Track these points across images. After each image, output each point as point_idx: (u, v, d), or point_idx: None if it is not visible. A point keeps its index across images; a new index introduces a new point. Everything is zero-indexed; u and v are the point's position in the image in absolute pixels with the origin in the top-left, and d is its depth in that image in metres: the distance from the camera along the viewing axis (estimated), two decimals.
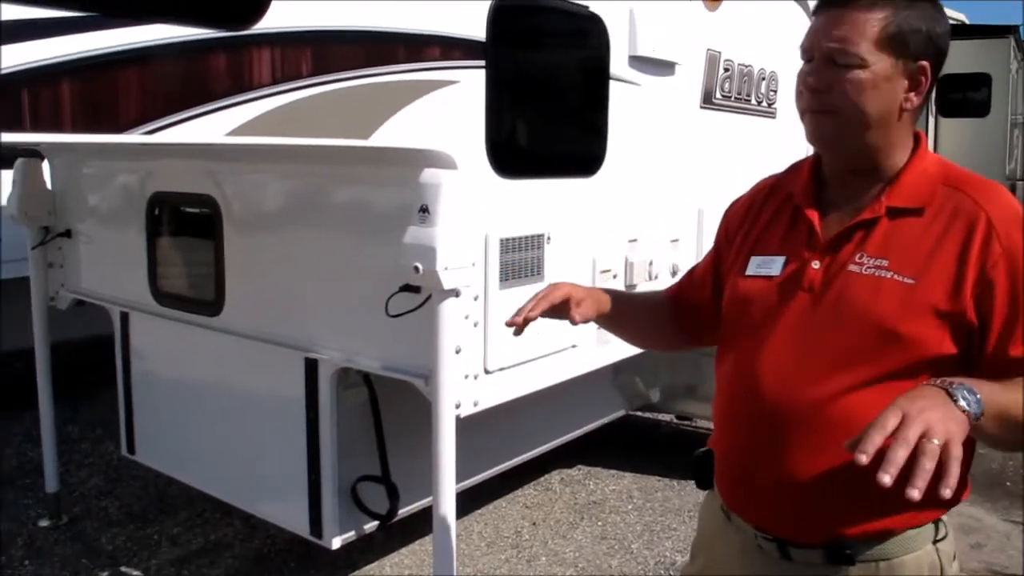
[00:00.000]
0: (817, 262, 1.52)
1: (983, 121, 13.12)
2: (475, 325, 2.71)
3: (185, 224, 3.73)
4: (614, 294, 1.96)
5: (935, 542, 1.52)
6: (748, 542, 1.62)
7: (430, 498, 3.40)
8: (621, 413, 4.82)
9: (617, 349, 3.40)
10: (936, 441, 1.14)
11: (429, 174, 2.50)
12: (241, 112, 2.04)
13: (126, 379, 4.06)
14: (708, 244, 3.34)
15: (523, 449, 4.03)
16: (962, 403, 1.23)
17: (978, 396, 1.25)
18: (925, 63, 1.47)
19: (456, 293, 2.60)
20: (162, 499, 4.63)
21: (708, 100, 3.90)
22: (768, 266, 1.59)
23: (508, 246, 2.77)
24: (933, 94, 10.68)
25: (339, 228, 2.95)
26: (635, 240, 3.43)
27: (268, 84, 2.08)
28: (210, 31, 1.99)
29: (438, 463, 2.65)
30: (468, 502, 4.32)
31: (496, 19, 2.65)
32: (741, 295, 1.62)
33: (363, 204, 2.84)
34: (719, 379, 1.70)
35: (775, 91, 4.52)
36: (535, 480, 4.93)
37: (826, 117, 1.49)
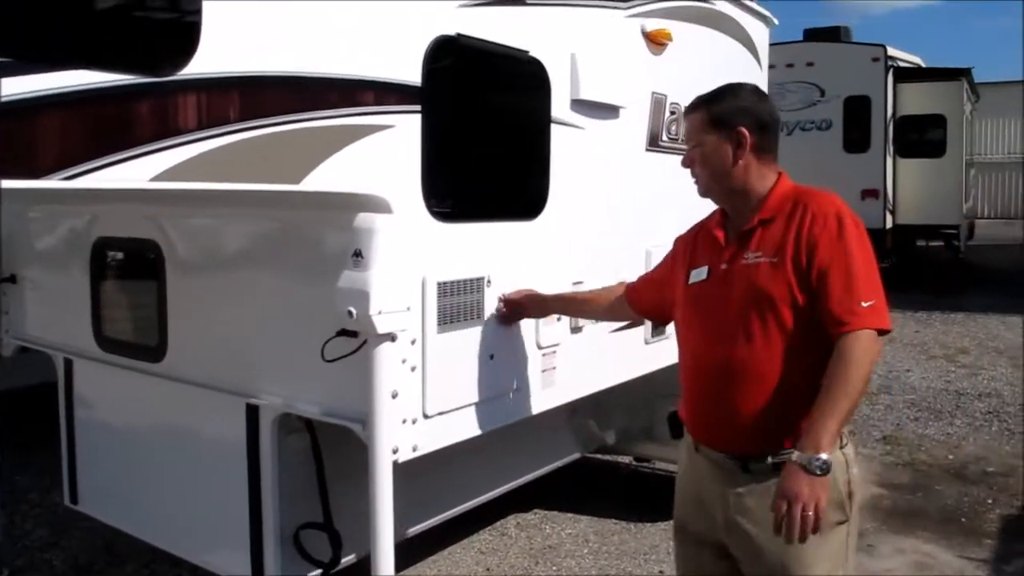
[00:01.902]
0: (724, 264, 2.33)
1: (939, 161, 13.41)
2: (413, 369, 2.69)
3: (129, 269, 3.70)
4: (565, 299, 3.13)
5: (840, 448, 2.19)
6: (713, 464, 2.31)
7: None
8: (576, 456, 4.79)
9: (561, 392, 3.39)
10: (809, 512, 1.98)
11: (363, 218, 2.50)
12: (165, 158, 2.03)
13: (69, 427, 3.98)
14: None
15: (476, 493, 3.98)
16: (815, 470, 2.00)
17: (821, 458, 2.00)
18: (742, 128, 2.30)
19: (392, 337, 2.59)
20: (109, 550, 4.52)
21: (654, 143, 3.94)
22: (700, 275, 2.40)
23: (446, 290, 2.77)
24: (890, 136, 10.88)
25: (277, 273, 2.94)
26: (580, 282, 3.44)
27: (194, 129, 2.07)
28: (134, 77, 1.99)
29: (376, 508, 2.62)
30: (421, 548, 4.26)
31: (431, 64, 2.67)
32: (688, 297, 2.43)
33: (300, 249, 2.83)
34: (681, 359, 2.47)
35: None
36: (491, 525, 4.88)
37: (697, 183, 2.43)
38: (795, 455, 2.02)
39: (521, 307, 3.06)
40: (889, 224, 13.25)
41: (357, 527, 3.21)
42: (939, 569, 4.34)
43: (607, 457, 5.68)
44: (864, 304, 2.11)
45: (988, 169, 28.79)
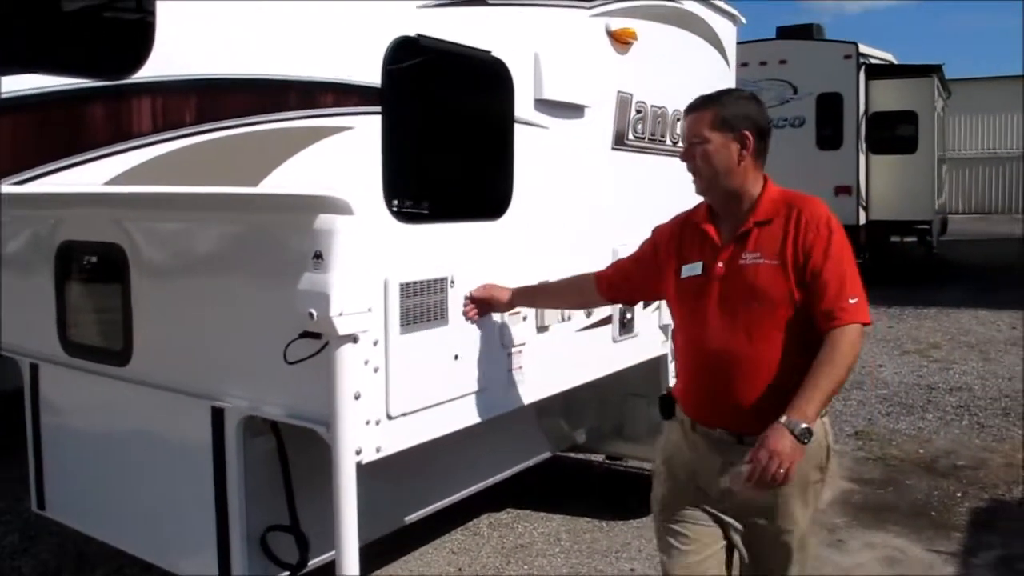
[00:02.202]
0: (721, 262, 2.51)
1: (911, 157, 13.53)
2: (376, 370, 2.69)
3: (93, 273, 3.67)
4: (529, 291, 3.19)
5: (820, 418, 2.44)
6: (711, 440, 2.55)
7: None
8: (547, 455, 4.81)
9: (528, 392, 3.40)
10: (783, 470, 2.21)
11: (322, 220, 2.49)
12: (121, 161, 2.03)
13: (36, 432, 3.95)
14: None
15: (445, 494, 3.99)
16: (799, 436, 2.23)
17: (804, 425, 2.24)
18: (746, 132, 2.49)
19: (354, 339, 2.59)
20: (80, 556, 4.50)
21: (620, 141, 3.96)
22: (693, 270, 2.58)
23: (409, 291, 2.77)
24: (863, 132, 11.01)
25: (240, 275, 2.93)
26: (546, 281, 3.45)
27: (149, 133, 2.07)
28: (87, 80, 1.98)
29: (340, 509, 2.62)
30: (392, 548, 4.26)
31: (391, 65, 2.67)
32: (682, 290, 2.61)
33: (262, 251, 2.82)
34: (677, 345, 2.74)
35: None
36: (463, 525, 4.89)
37: (697, 177, 2.57)
38: (783, 419, 2.26)
39: (487, 303, 3.10)
40: (863, 220, 13.36)
41: (325, 529, 3.22)
42: (908, 563, 4.39)
43: (580, 456, 5.71)
44: (851, 301, 2.37)
45: (962, 165, 29.12)
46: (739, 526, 2.57)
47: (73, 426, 3.82)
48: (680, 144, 4.39)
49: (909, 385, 7.93)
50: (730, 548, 2.61)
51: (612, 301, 3.14)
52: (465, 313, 3.04)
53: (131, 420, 3.49)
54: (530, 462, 4.65)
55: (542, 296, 3.29)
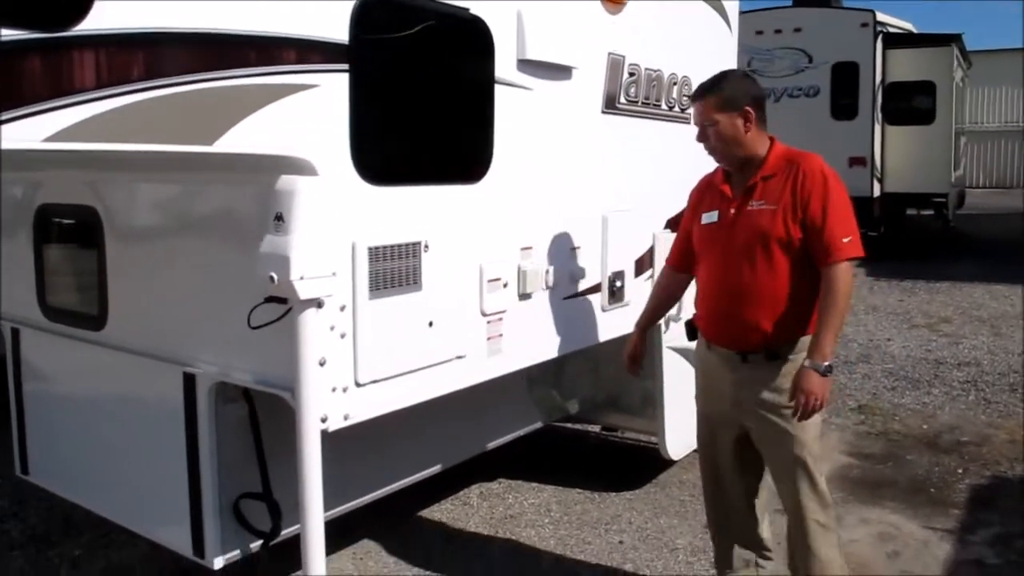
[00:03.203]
0: (733, 209, 3.00)
1: (929, 128, 13.27)
2: (343, 336, 2.62)
3: (71, 237, 3.62)
4: (651, 317, 3.62)
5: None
6: (722, 357, 3.07)
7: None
8: (538, 425, 4.75)
9: (508, 360, 3.33)
10: (819, 402, 2.85)
11: (284, 181, 2.42)
12: (60, 117, 1.95)
13: (18, 397, 3.92)
14: (614, 252, 3.83)
15: (426, 464, 3.94)
16: (824, 372, 2.82)
17: (825, 364, 2.82)
18: (748, 107, 2.97)
19: (318, 303, 2.52)
20: (67, 520, 4.48)
21: (611, 105, 3.85)
22: (711, 217, 3.08)
23: (378, 255, 2.69)
24: (879, 103, 10.80)
25: (208, 238, 2.87)
26: (529, 248, 3.37)
27: (91, 89, 1.99)
28: (25, 32, 1.90)
29: (304, 476, 2.57)
30: (379, 516, 4.22)
31: (360, 21, 2.57)
32: (703, 234, 3.12)
33: (226, 213, 2.76)
34: (699, 278, 3.21)
35: (688, 96, 4.48)
36: (454, 494, 4.84)
37: (714, 152, 3.06)
38: (808, 362, 2.83)
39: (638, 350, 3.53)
40: (877, 192, 13.13)
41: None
42: (903, 539, 4.30)
43: (576, 426, 5.65)
44: (844, 240, 2.85)
45: (983, 138, 28.63)
46: (757, 432, 3.06)
47: (53, 391, 3.79)
48: (676, 109, 4.35)
49: (916, 359, 7.80)
50: (741, 442, 3.14)
51: (687, 271, 3.35)
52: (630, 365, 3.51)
53: (108, 385, 3.45)
54: (520, 432, 4.59)
55: (652, 311, 3.58)
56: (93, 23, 1.98)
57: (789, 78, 12.94)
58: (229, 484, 3.06)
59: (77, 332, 3.50)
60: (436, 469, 4.03)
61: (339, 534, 4.02)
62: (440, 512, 4.65)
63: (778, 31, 12.82)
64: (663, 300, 3.55)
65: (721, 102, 2.97)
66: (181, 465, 3.07)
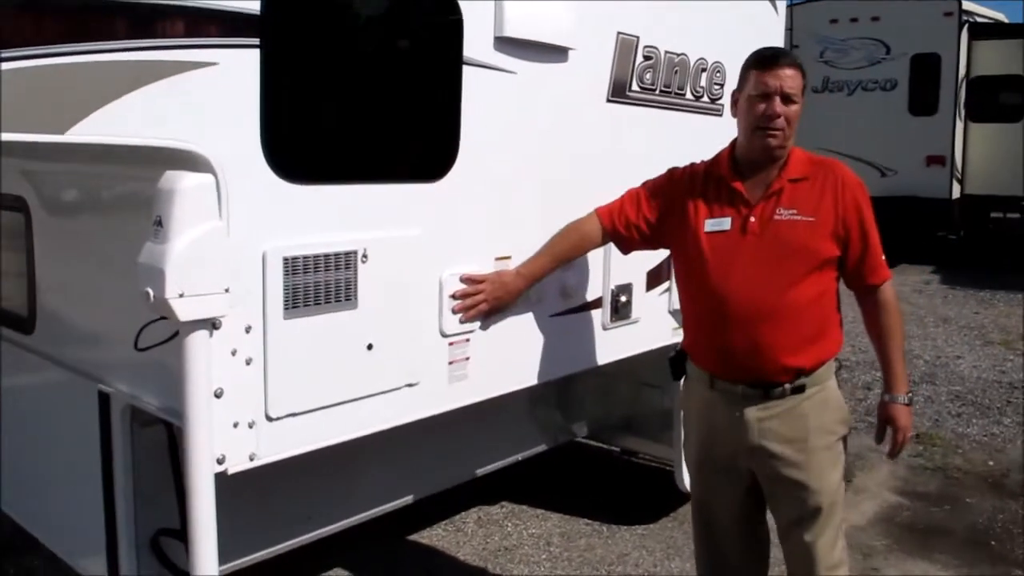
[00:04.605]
0: (754, 217, 2.56)
1: (1017, 127, 12.22)
2: (248, 362, 2.19)
3: (8, 229, 3.28)
4: (534, 259, 2.90)
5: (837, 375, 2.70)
6: (734, 395, 2.60)
7: (246, 558, 2.94)
8: (541, 449, 4.28)
9: (481, 387, 2.87)
10: (910, 434, 2.72)
11: (167, 178, 2.00)
12: None
13: None
14: (618, 258, 3.28)
15: (397, 494, 3.50)
16: (909, 403, 2.70)
17: (907, 395, 2.69)
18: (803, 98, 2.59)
19: (213, 324, 2.10)
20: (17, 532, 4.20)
21: (620, 93, 3.33)
22: (721, 224, 2.60)
23: (297, 266, 2.25)
24: (962, 98, 9.86)
25: (110, 241, 2.48)
26: (507, 258, 2.90)
27: None
28: None
29: (195, 527, 2.17)
30: (363, 537, 3.80)
31: None
32: (707, 244, 2.61)
33: (123, 213, 2.36)
34: (687, 300, 2.77)
35: (721, 84, 3.94)
36: (450, 518, 4.42)
37: (779, 133, 2.53)
38: (889, 396, 2.68)
39: (497, 293, 2.81)
40: (956, 194, 12.20)
41: (224, 534, 2.80)
42: None
43: (599, 444, 5.14)
44: (882, 257, 2.65)
45: None
46: (771, 484, 2.66)
47: None
48: (705, 100, 3.81)
49: (988, 382, 7.05)
50: (754, 497, 2.74)
51: (615, 235, 2.90)
52: (468, 308, 2.73)
53: (36, 397, 3.13)
54: (517, 457, 4.13)
55: (545, 256, 2.92)
56: None
57: (865, 70, 12.11)
58: (146, 516, 2.70)
59: (12, 335, 3.17)
60: (407, 500, 3.58)
61: (313, 559, 3.65)
62: (430, 537, 4.24)
63: (854, 20, 12.01)
64: (567, 254, 2.96)
65: (804, 83, 2.59)
66: (98, 492, 2.71)
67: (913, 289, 10.68)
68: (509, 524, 4.40)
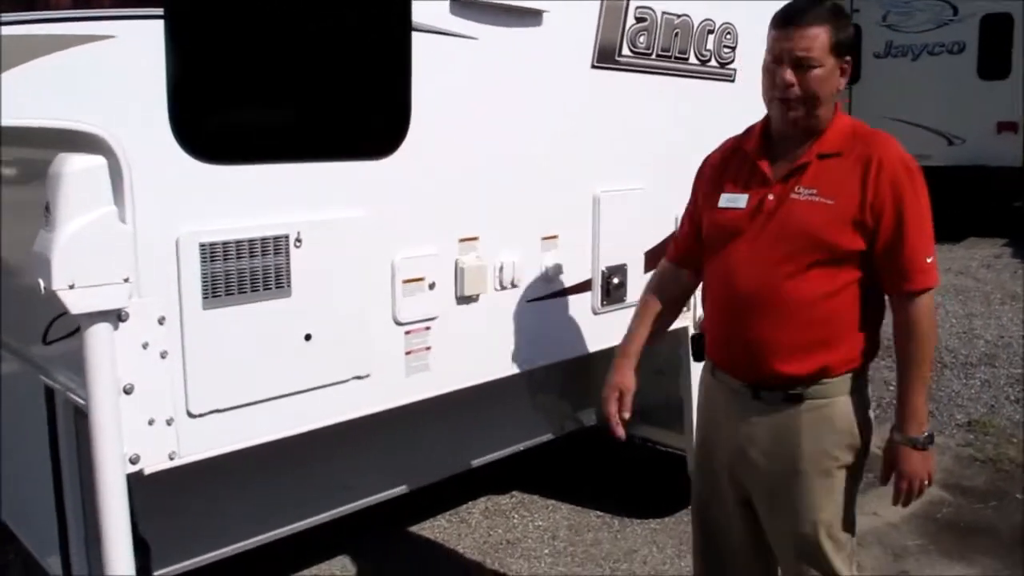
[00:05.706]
0: (771, 195, 2.22)
1: None
2: (163, 356, 2.06)
3: None
4: (645, 334, 2.58)
5: (851, 394, 2.25)
6: (728, 388, 2.34)
7: (198, 558, 2.84)
8: (547, 438, 4.09)
9: (445, 378, 2.70)
10: (924, 482, 2.23)
11: (56, 162, 1.86)
12: None
13: None
14: (611, 241, 3.17)
15: (386, 484, 3.36)
16: (924, 446, 2.20)
17: (924, 435, 2.20)
18: (848, 58, 2.21)
19: (118, 315, 1.96)
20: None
21: (608, 58, 3.09)
22: (736, 201, 2.28)
23: (216, 253, 2.10)
24: None
25: (28, 230, 2.35)
26: (472, 239, 2.70)
27: None
28: None
29: (106, 530, 2.05)
30: (365, 525, 3.68)
31: None
32: (719, 222, 2.32)
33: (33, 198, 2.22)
34: (707, 282, 2.43)
35: (732, 47, 3.65)
36: (456, 507, 4.27)
37: (796, 103, 2.18)
38: (900, 436, 2.21)
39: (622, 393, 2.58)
40: None
41: (174, 535, 2.69)
42: None
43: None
44: (928, 260, 2.17)
45: None
46: (758, 499, 2.34)
47: None
48: (713, 63, 3.53)
49: None
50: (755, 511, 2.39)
51: (688, 258, 2.53)
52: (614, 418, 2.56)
53: (10, 389, 3.05)
54: (520, 447, 3.95)
55: (645, 322, 2.59)
56: None
57: (930, 33, 11.44)
58: (95, 514, 2.59)
59: None
60: (401, 490, 3.45)
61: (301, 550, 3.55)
62: (432, 528, 4.10)
63: None
64: (661, 311, 2.57)
65: (832, 41, 2.15)
66: (50, 489, 2.63)
67: (981, 263, 10.08)
68: (516, 515, 4.22)
